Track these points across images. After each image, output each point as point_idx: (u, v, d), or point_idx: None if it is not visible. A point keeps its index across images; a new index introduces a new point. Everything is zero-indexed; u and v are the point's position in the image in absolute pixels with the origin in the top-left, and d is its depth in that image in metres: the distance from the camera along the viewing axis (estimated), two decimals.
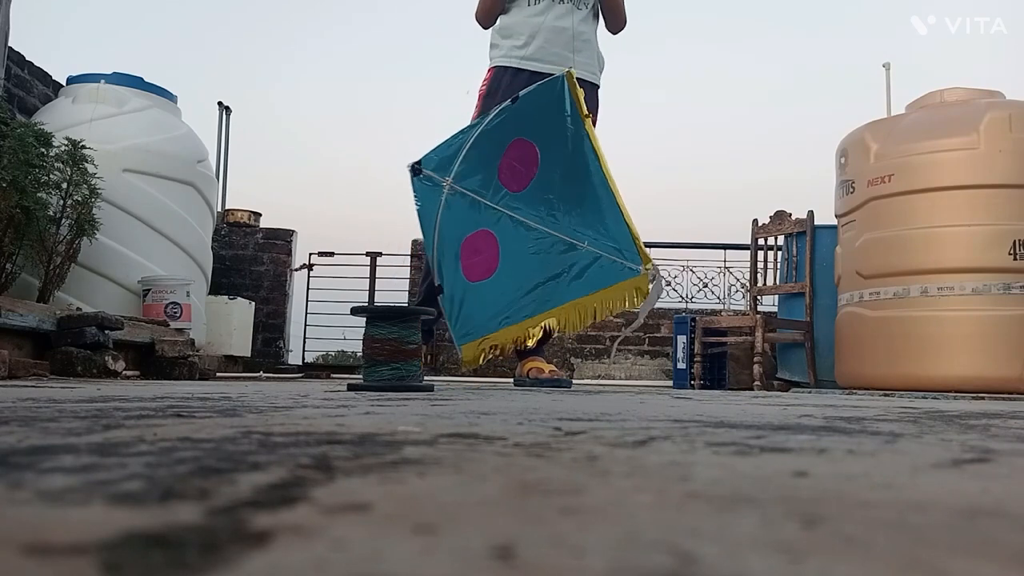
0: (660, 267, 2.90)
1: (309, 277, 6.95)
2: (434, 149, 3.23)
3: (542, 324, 3.04)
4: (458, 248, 3.17)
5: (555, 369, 3.70)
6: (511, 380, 5.11)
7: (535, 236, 3.04)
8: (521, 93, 3.07)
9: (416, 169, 3.22)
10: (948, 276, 3.63)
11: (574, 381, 4.72)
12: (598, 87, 3.62)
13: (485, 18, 3.61)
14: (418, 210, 3.25)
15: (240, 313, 5.62)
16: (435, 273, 3.22)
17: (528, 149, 3.05)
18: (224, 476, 0.47)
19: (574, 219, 2.97)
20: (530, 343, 3.16)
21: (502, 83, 3.48)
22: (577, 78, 3.27)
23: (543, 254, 3.03)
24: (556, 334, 3.23)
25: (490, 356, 3.25)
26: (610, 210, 2.86)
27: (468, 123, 3.27)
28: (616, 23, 3.64)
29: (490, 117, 3.11)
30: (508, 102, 3.08)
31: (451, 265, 3.18)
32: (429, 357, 4.97)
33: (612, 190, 2.86)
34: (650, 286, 2.79)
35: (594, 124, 3.49)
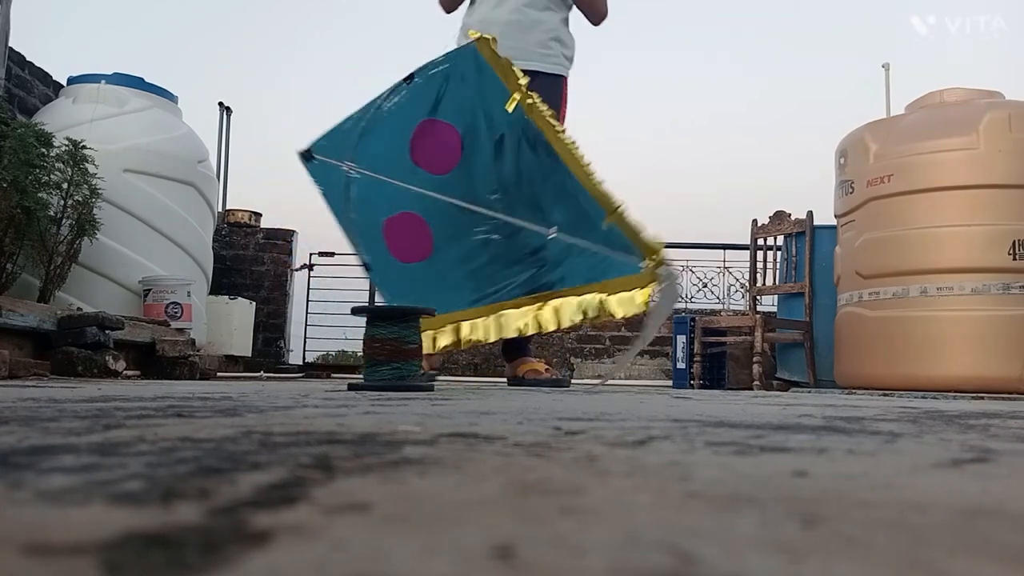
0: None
1: (309, 277, 6.96)
2: (324, 135, 3.10)
3: (507, 313, 2.88)
4: (380, 231, 3.07)
5: (551, 369, 3.67)
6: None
7: (478, 220, 2.89)
8: (415, 70, 2.91)
9: (307, 155, 3.10)
10: (948, 276, 3.63)
11: (574, 381, 4.72)
12: (564, 77, 3.49)
13: (447, 2, 3.55)
14: (322, 193, 3.14)
15: (241, 313, 5.62)
16: (358, 251, 3.15)
17: (443, 130, 2.89)
18: (224, 476, 0.47)
19: (533, 204, 2.78)
20: (490, 338, 3.02)
21: None
22: (537, 71, 3.19)
23: (493, 237, 2.87)
24: (531, 332, 3.06)
25: (445, 343, 3.09)
26: (582, 196, 2.63)
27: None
28: (595, 15, 3.52)
29: (384, 97, 2.95)
30: (402, 81, 2.92)
31: (377, 246, 3.09)
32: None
33: (579, 175, 2.62)
34: (657, 289, 2.49)
35: (562, 117, 3.35)
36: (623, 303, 2.66)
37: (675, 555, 0.30)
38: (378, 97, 2.98)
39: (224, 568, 0.27)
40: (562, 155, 2.67)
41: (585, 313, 2.77)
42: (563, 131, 2.74)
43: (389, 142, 2.99)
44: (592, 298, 2.73)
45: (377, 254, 3.11)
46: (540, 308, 2.87)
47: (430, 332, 3.02)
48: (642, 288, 2.58)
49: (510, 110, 2.74)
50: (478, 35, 2.82)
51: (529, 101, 2.73)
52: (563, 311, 2.83)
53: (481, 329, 3.02)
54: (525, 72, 2.86)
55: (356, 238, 3.14)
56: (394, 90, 2.94)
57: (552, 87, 3.36)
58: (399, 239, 3.05)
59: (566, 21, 3.55)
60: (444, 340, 3.09)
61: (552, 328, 2.92)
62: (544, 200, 2.77)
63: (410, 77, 2.91)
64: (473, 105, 2.85)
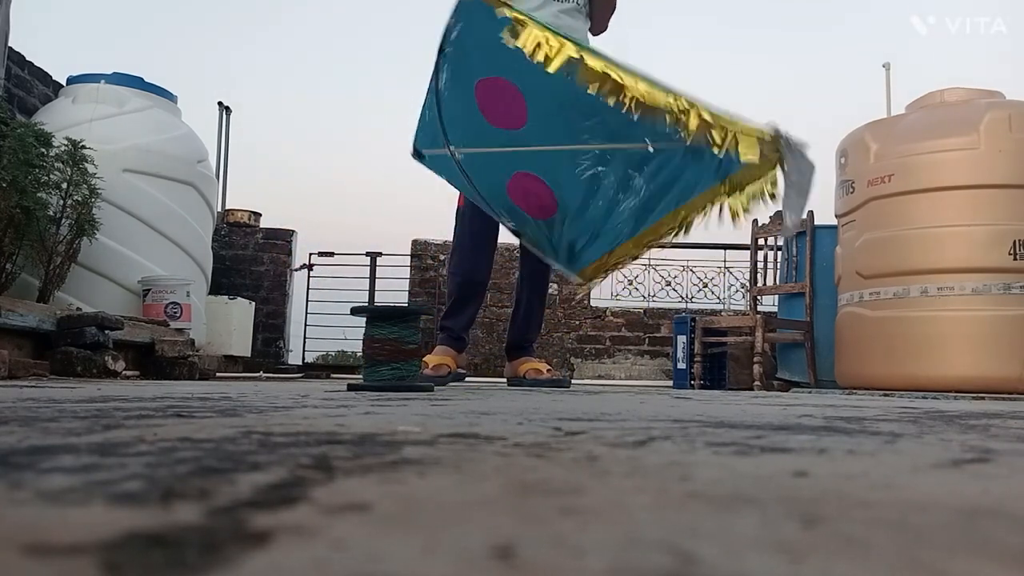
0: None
1: (309, 277, 6.96)
2: (417, 131, 3.07)
3: (661, 231, 2.70)
4: (507, 198, 3.02)
5: (552, 369, 3.66)
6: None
7: (577, 157, 2.78)
8: (441, 40, 2.82)
9: (417, 154, 3.09)
10: (948, 276, 3.63)
11: (574, 381, 4.72)
12: None
13: None
14: (448, 181, 3.12)
15: (240, 313, 5.63)
16: (505, 224, 3.09)
17: (497, 85, 2.81)
18: (224, 476, 0.47)
19: (614, 127, 2.62)
20: (638, 253, 2.85)
21: None
22: None
23: (601, 170, 2.75)
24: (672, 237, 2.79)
25: (608, 270, 2.96)
26: (652, 114, 2.43)
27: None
28: (599, 26, 3.55)
29: (435, 78, 2.89)
30: (437, 55, 2.84)
31: (516, 213, 3.02)
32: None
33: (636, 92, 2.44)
34: (782, 156, 2.21)
35: None
36: (764, 184, 2.38)
37: (675, 555, 0.30)
38: (431, 80, 2.93)
39: (224, 568, 0.27)
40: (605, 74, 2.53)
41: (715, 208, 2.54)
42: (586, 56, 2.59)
43: (464, 116, 2.94)
44: (715, 197, 2.51)
45: (520, 219, 3.04)
46: (679, 219, 2.66)
47: (596, 275, 2.94)
48: (765, 161, 2.31)
49: (529, 52, 2.63)
50: None
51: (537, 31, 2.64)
52: (692, 216, 2.62)
53: (628, 252, 2.88)
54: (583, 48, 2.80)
55: (499, 210, 3.07)
56: (438, 68, 2.88)
57: None
58: (525, 199, 2.98)
59: (587, 33, 3.57)
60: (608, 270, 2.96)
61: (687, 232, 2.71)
62: (618, 123, 2.60)
63: (441, 49, 2.84)
64: (503, 49, 2.72)
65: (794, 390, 4.29)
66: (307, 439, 0.69)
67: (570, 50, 2.61)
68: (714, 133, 2.37)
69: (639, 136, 2.59)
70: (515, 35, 2.66)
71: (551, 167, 2.88)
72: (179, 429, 0.77)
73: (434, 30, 2.86)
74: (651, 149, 2.59)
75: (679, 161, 2.55)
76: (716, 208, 2.52)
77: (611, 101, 2.54)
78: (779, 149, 2.26)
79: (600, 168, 2.78)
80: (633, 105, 2.50)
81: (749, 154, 2.30)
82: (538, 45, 2.64)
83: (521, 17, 2.67)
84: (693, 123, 2.40)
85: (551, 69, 2.62)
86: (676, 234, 2.72)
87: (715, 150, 2.38)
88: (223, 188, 7.03)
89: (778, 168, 2.28)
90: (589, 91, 2.58)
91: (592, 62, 2.58)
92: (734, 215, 2.47)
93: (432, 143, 3.04)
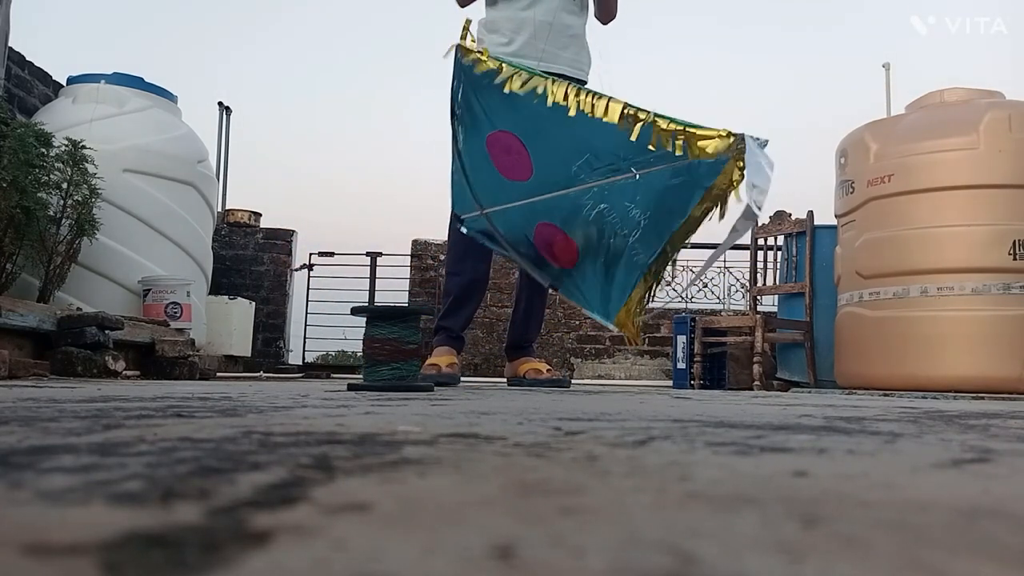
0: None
1: (309, 277, 6.97)
2: (453, 195, 3.16)
3: (664, 264, 2.73)
4: (536, 252, 3.08)
5: (552, 369, 3.64)
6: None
7: (584, 199, 2.81)
8: (450, 103, 2.91)
9: (459, 220, 3.17)
10: (948, 276, 3.63)
11: (574, 381, 4.72)
12: (586, 83, 3.51)
13: None
14: (490, 246, 3.20)
15: (240, 313, 5.63)
16: (541, 279, 3.12)
17: (504, 138, 2.87)
18: (224, 476, 0.47)
19: (600, 162, 2.67)
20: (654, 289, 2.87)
21: None
22: (564, 75, 3.15)
23: (604, 208, 2.78)
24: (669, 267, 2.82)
25: (641, 315, 2.95)
26: (620, 133, 2.48)
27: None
28: (607, 13, 3.52)
29: (454, 141, 2.99)
30: (451, 119, 2.95)
31: (548, 266, 3.08)
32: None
33: (607, 115, 2.49)
34: (741, 155, 2.24)
35: None
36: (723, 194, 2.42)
37: (675, 555, 0.30)
38: (452, 144, 3.02)
39: (224, 568, 0.27)
40: (577, 106, 2.58)
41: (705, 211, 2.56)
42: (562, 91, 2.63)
43: (484, 175, 3.01)
44: (715, 206, 2.50)
45: (552, 272, 3.10)
46: (679, 240, 2.68)
47: (629, 324, 2.93)
48: (733, 166, 2.32)
49: (518, 90, 2.68)
50: (453, 45, 2.79)
51: (514, 74, 2.69)
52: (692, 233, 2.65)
53: (651, 288, 2.88)
54: (552, 75, 2.84)
55: (531, 267, 3.13)
56: (455, 130, 2.98)
57: None
58: (551, 251, 3.04)
59: (584, 27, 3.55)
60: (638, 317, 2.94)
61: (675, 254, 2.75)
62: (606, 154, 2.65)
63: (453, 113, 2.93)
64: (498, 101, 2.81)
65: (794, 390, 4.29)
66: (307, 439, 0.69)
67: (541, 79, 2.66)
68: (678, 140, 2.39)
69: (625, 160, 2.62)
70: (501, 80, 2.71)
71: (562, 213, 2.91)
72: (179, 429, 0.77)
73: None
74: (637, 177, 2.62)
75: (665, 181, 2.57)
76: (711, 216, 2.52)
77: (590, 111, 2.56)
78: (739, 147, 2.26)
79: (603, 205, 2.80)
80: (606, 109, 2.53)
81: (709, 150, 2.32)
82: (514, 76, 2.69)
83: (496, 64, 2.73)
84: (663, 134, 2.42)
85: (522, 90, 2.66)
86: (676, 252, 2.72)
87: (681, 153, 2.40)
88: (223, 188, 7.03)
89: (740, 165, 2.28)
90: (570, 113, 2.61)
91: (558, 86, 2.63)
92: (720, 213, 2.45)
93: (468, 207, 3.11)
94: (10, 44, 4.00)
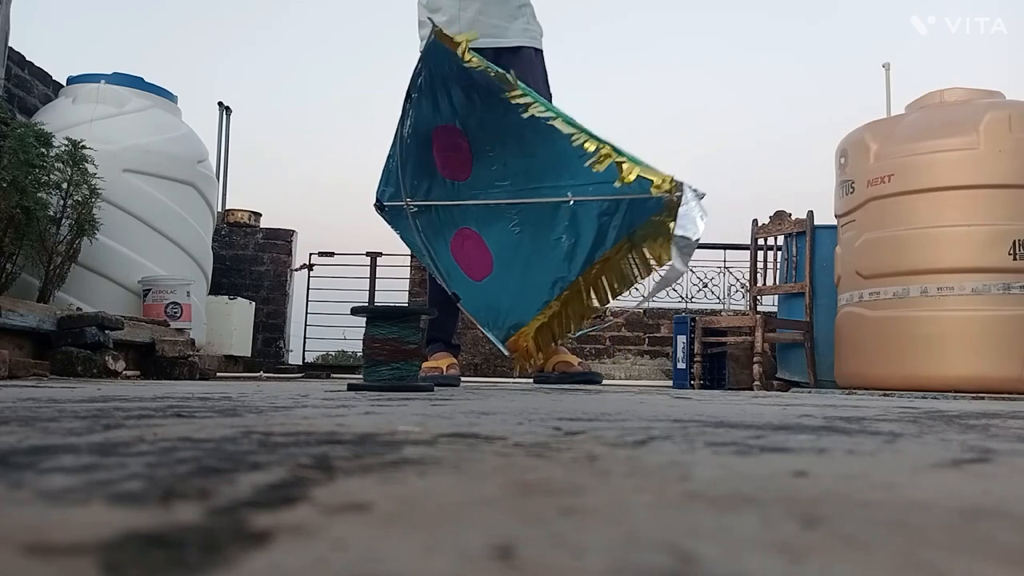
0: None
1: (309, 277, 6.96)
2: (380, 181, 3.10)
3: (582, 302, 2.72)
4: (451, 257, 3.03)
5: (583, 362, 3.44)
6: (510, 380, 5.10)
7: (510, 212, 2.79)
8: (409, 85, 2.83)
9: (379, 206, 3.12)
10: (948, 276, 3.63)
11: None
12: (541, 51, 3.43)
13: None
14: (401, 238, 3.15)
15: (240, 313, 5.63)
16: (446, 286, 3.06)
17: (451, 133, 2.82)
18: (224, 476, 0.47)
19: (538, 178, 2.66)
20: (572, 331, 2.86)
21: None
22: (519, 46, 3.12)
23: (529, 226, 2.76)
24: (596, 308, 2.83)
25: (537, 350, 2.94)
26: (575, 152, 2.48)
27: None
28: None
29: (401, 124, 2.92)
30: (405, 101, 2.87)
31: (456, 274, 3.03)
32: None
33: (564, 130, 2.49)
34: (678, 206, 2.25)
35: (547, 94, 3.24)
36: (660, 244, 2.49)
37: (675, 555, 0.30)
38: (397, 126, 2.95)
39: (224, 568, 0.27)
40: (543, 114, 2.57)
41: (635, 270, 2.63)
42: (530, 101, 2.62)
43: (421, 165, 2.96)
44: (631, 250, 2.60)
45: (459, 281, 3.03)
46: (594, 278, 2.72)
47: (529, 347, 2.93)
48: (668, 214, 2.37)
49: (499, 84, 2.63)
50: (436, 28, 2.71)
51: (493, 73, 2.64)
52: (609, 277, 2.69)
53: (561, 323, 2.88)
54: (507, 49, 2.79)
55: (440, 272, 3.06)
56: (404, 113, 2.90)
57: (535, 60, 3.33)
58: (466, 259, 2.98)
59: None
60: (542, 346, 2.95)
61: (612, 297, 2.79)
62: (552, 170, 2.64)
63: (408, 95, 2.86)
64: (458, 95, 2.76)
65: (794, 390, 4.29)
66: (307, 439, 0.69)
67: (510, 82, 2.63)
68: (624, 167, 2.41)
69: (565, 182, 2.62)
70: (471, 68, 2.66)
71: (487, 222, 2.88)
72: (179, 429, 0.77)
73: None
74: (571, 203, 2.64)
75: (596, 212, 2.59)
76: (636, 267, 2.61)
77: (543, 117, 2.56)
78: (677, 195, 2.30)
79: (528, 224, 2.79)
80: (560, 124, 2.53)
81: (654, 186, 2.34)
82: (487, 68, 2.65)
83: (470, 57, 2.68)
84: (613, 160, 2.43)
85: (485, 77, 2.62)
86: (605, 299, 2.75)
87: (624, 184, 2.42)
88: (223, 188, 7.03)
89: (671, 223, 2.32)
90: (523, 115, 2.59)
91: (523, 96, 2.61)
92: (657, 260, 2.54)
93: (395, 195, 3.04)
94: (10, 44, 4.00)
